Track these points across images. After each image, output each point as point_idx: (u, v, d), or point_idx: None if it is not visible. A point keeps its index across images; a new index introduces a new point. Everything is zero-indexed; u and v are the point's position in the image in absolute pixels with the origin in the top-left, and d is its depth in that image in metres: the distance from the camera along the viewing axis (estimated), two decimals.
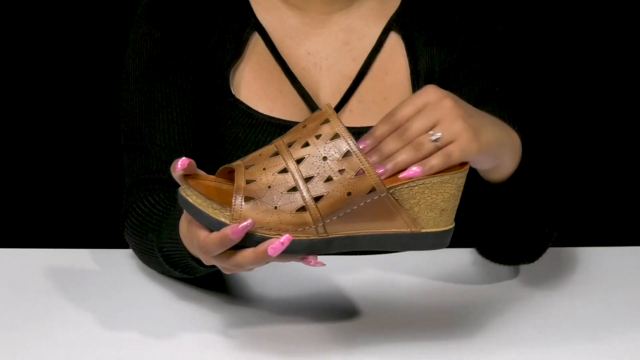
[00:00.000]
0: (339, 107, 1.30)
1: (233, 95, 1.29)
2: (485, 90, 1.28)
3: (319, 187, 0.95)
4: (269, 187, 0.95)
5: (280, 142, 0.97)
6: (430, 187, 0.98)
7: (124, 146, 1.28)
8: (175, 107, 1.26)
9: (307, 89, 1.29)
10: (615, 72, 1.87)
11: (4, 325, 1.09)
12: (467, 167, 1.00)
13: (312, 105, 1.29)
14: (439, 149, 0.98)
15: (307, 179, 0.95)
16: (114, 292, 1.18)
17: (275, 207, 0.94)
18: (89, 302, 1.15)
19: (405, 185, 0.97)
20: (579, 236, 1.88)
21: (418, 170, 0.97)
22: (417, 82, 1.30)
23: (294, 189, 0.95)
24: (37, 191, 1.86)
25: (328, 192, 0.95)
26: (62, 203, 1.86)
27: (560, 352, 1.06)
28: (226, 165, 0.99)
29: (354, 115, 1.30)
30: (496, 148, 1.03)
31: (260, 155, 0.97)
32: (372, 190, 0.96)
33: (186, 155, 1.24)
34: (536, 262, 1.26)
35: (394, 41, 1.32)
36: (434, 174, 0.98)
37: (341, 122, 0.96)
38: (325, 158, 0.95)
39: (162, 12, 1.29)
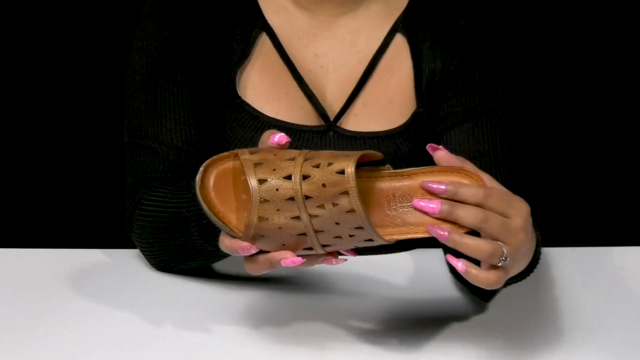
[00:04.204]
0: (343, 110, 1.29)
1: (239, 97, 1.28)
2: (480, 103, 1.28)
3: (328, 239, 0.98)
4: (280, 228, 0.97)
5: (297, 187, 0.96)
6: None
7: (127, 144, 1.28)
8: (183, 107, 1.26)
9: (313, 91, 1.29)
10: (613, 75, 1.87)
11: (4, 325, 1.10)
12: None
13: (318, 107, 1.29)
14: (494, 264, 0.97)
15: (318, 231, 0.97)
16: (115, 292, 1.18)
17: (283, 245, 0.98)
18: (89, 302, 1.15)
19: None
20: (579, 236, 1.88)
21: (463, 268, 0.97)
22: (420, 84, 1.30)
23: (304, 234, 0.97)
24: (38, 191, 1.87)
25: (336, 245, 0.98)
26: (63, 203, 1.86)
27: (559, 352, 1.06)
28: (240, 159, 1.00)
29: (358, 119, 1.30)
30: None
31: (274, 170, 0.98)
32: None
33: (192, 156, 1.25)
34: None
35: (400, 43, 1.31)
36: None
37: (360, 198, 0.95)
38: (338, 223, 0.96)
39: (171, 11, 1.29)
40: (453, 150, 1.26)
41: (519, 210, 0.97)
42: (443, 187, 0.98)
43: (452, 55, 1.30)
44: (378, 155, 1.01)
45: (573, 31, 1.85)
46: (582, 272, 1.26)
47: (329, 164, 0.96)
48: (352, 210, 0.95)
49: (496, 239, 0.97)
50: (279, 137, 1.01)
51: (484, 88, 1.29)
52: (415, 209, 0.98)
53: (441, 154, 1.00)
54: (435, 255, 1.27)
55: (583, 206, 1.91)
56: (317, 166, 0.96)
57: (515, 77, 1.33)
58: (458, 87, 1.30)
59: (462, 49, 1.30)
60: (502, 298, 1.17)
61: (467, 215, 0.96)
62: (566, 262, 1.29)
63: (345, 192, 0.95)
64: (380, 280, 1.22)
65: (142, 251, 1.23)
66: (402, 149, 1.29)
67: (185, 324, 1.10)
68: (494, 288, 0.98)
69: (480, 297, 1.17)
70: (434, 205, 0.97)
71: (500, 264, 0.96)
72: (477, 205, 0.97)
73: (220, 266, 1.25)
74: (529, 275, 1.11)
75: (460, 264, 0.97)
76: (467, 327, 1.11)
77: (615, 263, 1.29)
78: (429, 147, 1.01)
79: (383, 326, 1.11)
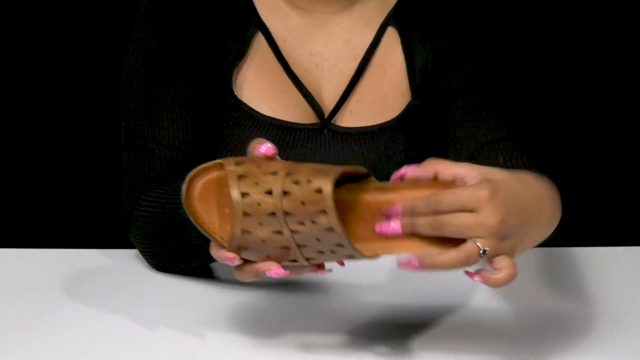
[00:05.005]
0: (338, 107, 1.30)
1: (235, 96, 1.29)
2: (475, 71, 1.28)
3: (311, 253, 0.98)
4: (263, 241, 0.97)
5: (278, 203, 0.96)
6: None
7: (125, 144, 1.28)
8: (179, 107, 1.26)
9: (309, 89, 1.30)
10: (614, 70, 1.87)
11: (4, 325, 1.09)
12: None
13: (314, 106, 1.29)
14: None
15: (300, 246, 0.97)
16: (115, 292, 1.18)
17: (268, 256, 0.99)
18: (89, 302, 1.15)
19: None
20: (579, 236, 1.88)
21: (480, 280, 0.96)
22: (413, 76, 1.30)
23: (287, 247, 0.97)
24: (38, 191, 1.87)
25: (319, 258, 0.98)
26: (63, 203, 1.86)
27: (559, 353, 1.06)
28: (225, 169, 1.00)
29: (353, 116, 1.30)
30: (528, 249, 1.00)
31: (256, 184, 0.97)
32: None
33: (189, 156, 1.25)
34: (535, 263, 1.26)
35: (391, 36, 1.32)
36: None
37: (338, 218, 0.94)
38: (318, 240, 0.96)
39: (167, 11, 1.29)
40: (457, 119, 1.26)
41: (476, 201, 0.94)
42: (399, 207, 0.97)
43: (442, 41, 1.31)
44: (361, 169, 1.00)
45: (575, 31, 1.85)
46: (583, 272, 1.26)
47: (308, 181, 0.95)
48: (331, 229, 0.95)
49: (467, 237, 0.94)
50: (266, 149, 1.00)
51: (475, 57, 1.29)
52: (380, 234, 0.98)
53: (409, 175, 0.97)
54: None
55: (584, 206, 1.91)
56: (297, 182, 0.96)
57: (514, 73, 1.33)
58: (451, 64, 1.30)
59: (451, 31, 1.31)
60: (502, 299, 1.17)
61: (425, 226, 0.95)
62: (567, 262, 1.29)
63: (324, 211, 0.95)
64: (381, 282, 1.22)
65: (141, 252, 1.23)
66: (397, 142, 1.29)
67: (185, 324, 1.10)
68: (510, 281, 0.95)
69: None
70: (395, 226, 0.97)
71: (482, 258, 0.94)
72: (434, 213, 0.95)
73: (220, 267, 1.25)
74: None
75: (477, 278, 0.96)
76: (468, 328, 1.11)
77: (615, 263, 1.29)
78: (393, 178, 0.98)
79: (383, 327, 1.11)
